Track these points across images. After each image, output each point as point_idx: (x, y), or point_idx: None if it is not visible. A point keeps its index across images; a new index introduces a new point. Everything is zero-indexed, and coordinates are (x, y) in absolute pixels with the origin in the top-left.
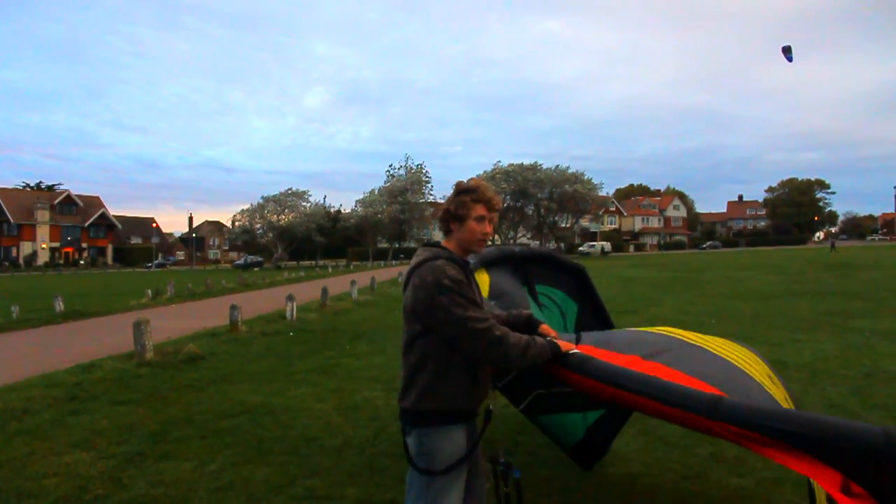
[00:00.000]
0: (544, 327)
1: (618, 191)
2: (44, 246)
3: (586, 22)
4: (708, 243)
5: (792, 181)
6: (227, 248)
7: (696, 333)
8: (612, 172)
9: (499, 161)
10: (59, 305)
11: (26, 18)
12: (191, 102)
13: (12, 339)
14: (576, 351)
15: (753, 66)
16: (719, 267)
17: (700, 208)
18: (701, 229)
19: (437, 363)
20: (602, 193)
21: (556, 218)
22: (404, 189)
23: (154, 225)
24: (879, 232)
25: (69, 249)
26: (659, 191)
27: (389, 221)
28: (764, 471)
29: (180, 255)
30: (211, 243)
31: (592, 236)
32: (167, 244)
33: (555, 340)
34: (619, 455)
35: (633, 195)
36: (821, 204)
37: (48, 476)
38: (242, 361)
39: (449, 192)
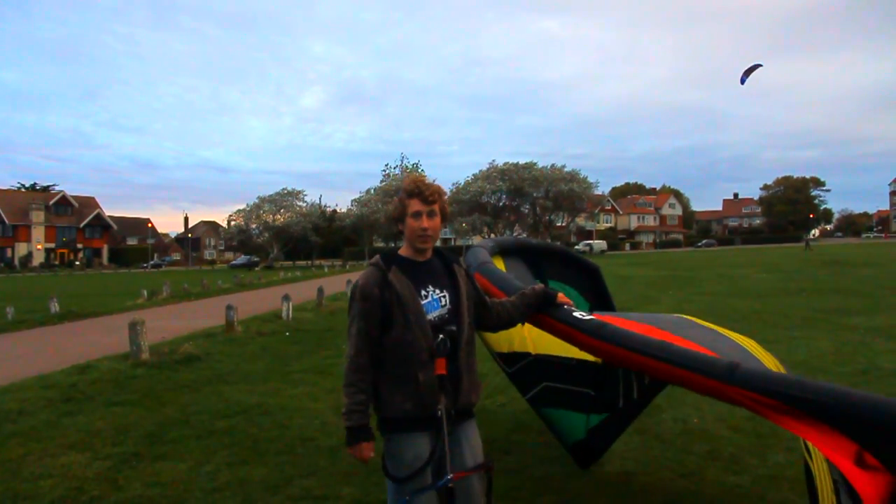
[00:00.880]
0: (561, 296)
1: (613, 189)
2: (39, 247)
3: (583, 21)
4: (703, 241)
5: (787, 179)
6: (222, 248)
7: (711, 323)
8: (609, 171)
9: (494, 160)
10: (55, 306)
11: (22, 19)
12: (187, 103)
13: (7, 341)
14: (592, 317)
15: (749, 64)
16: (715, 265)
17: (696, 206)
18: (696, 227)
19: (380, 370)
20: (598, 192)
21: (552, 216)
22: (400, 188)
23: (150, 225)
24: (874, 229)
25: (64, 250)
26: (654, 189)
27: (385, 221)
28: (760, 468)
29: (176, 255)
30: (207, 243)
31: (588, 235)
32: (163, 245)
33: (358, 432)
34: (615, 453)
35: (628, 193)
36: (816, 202)
37: (44, 477)
38: (238, 362)
39: (447, 191)
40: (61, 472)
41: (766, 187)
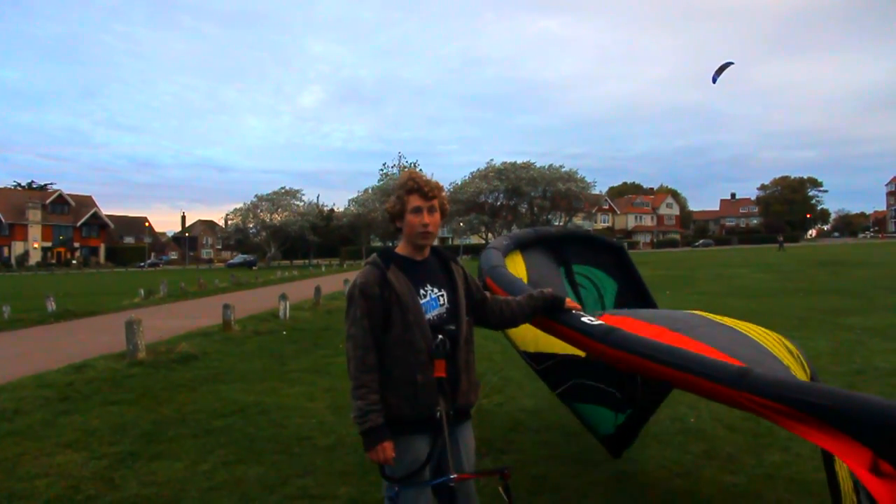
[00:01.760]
0: (569, 302)
1: (611, 189)
2: (35, 246)
3: (581, 21)
4: (700, 241)
5: (784, 179)
6: (220, 247)
7: (725, 317)
8: (607, 171)
9: (492, 159)
10: (51, 305)
11: (20, 17)
12: (185, 101)
13: (4, 340)
14: (600, 322)
15: (747, 64)
16: (712, 265)
17: (693, 206)
18: (694, 227)
19: (380, 372)
20: (595, 192)
21: (550, 216)
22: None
23: (147, 224)
24: (871, 230)
25: (61, 249)
26: (652, 189)
27: (383, 220)
28: (756, 468)
29: (173, 254)
30: (204, 242)
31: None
32: (160, 243)
33: (375, 433)
34: None
35: (626, 193)
36: (813, 202)
37: (40, 477)
38: (235, 361)
39: (445, 191)
40: (57, 472)
41: (763, 187)
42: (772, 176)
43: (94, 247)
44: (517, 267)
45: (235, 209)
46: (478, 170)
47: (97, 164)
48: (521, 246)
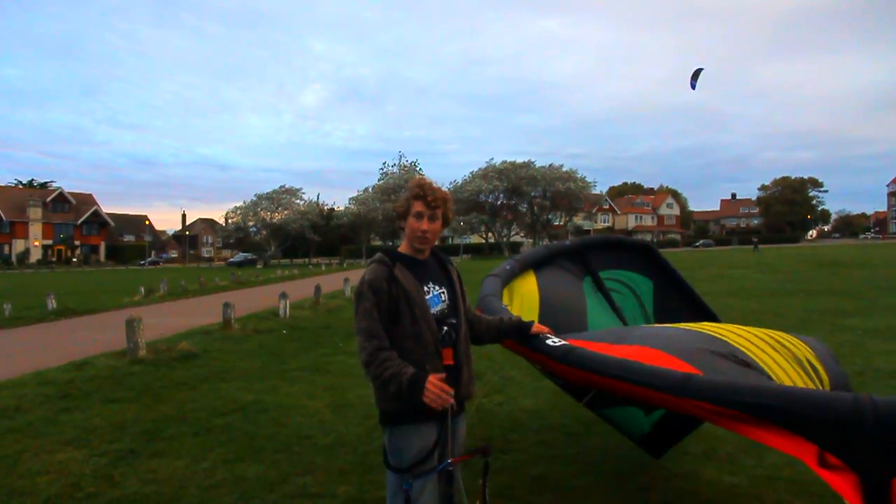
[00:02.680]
0: (537, 327)
1: (611, 189)
2: (36, 244)
3: (583, 20)
4: (701, 241)
5: (785, 179)
6: (220, 245)
7: (731, 326)
8: (608, 171)
9: (492, 159)
10: (52, 303)
11: (23, 15)
12: (187, 100)
13: (4, 337)
14: (563, 343)
15: (749, 65)
16: (712, 265)
17: (694, 206)
18: (694, 227)
19: None
20: (595, 191)
21: (550, 216)
22: (398, 187)
23: (147, 222)
24: (872, 230)
25: (62, 247)
26: (652, 189)
27: (383, 219)
28: (756, 469)
29: (173, 252)
30: (204, 241)
31: (586, 234)
32: (160, 242)
33: (418, 376)
34: (612, 453)
35: (626, 193)
36: (814, 202)
37: (40, 474)
38: (235, 359)
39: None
40: (58, 469)
41: (763, 188)
42: (773, 176)
43: (94, 245)
44: (529, 288)
45: (236, 207)
46: (478, 169)
47: (98, 162)
48: (535, 265)
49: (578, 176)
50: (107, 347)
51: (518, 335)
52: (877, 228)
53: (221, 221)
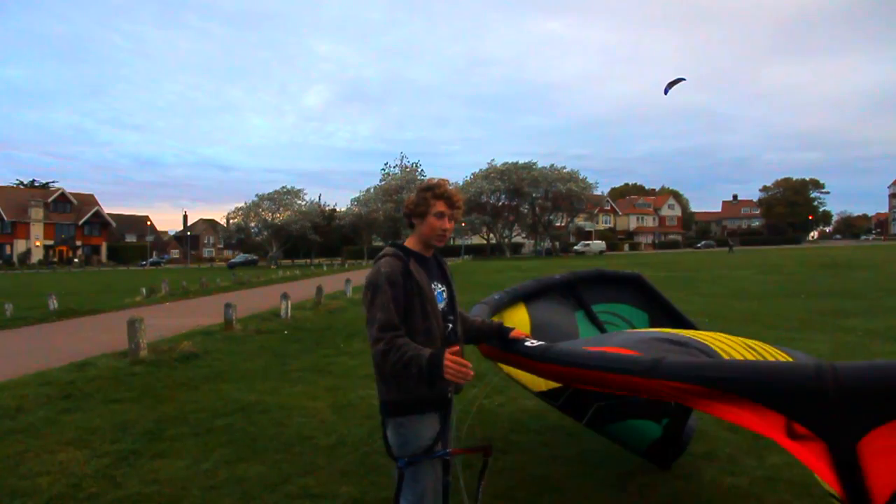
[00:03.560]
0: (516, 332)
1: (613, 190)
2: (38, 244)
3: (587, 22)
4: (703, 242)
5: (787, 181)
6: (221, 246)
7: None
8: (610, 172)
9: (493, 160)
10: (53, 304)
11: (27, 15)
12: (190, 100)
13: (6, 338)
14: (540, 343)
15: (751, 66)
16: (714, 266)
17: (695, 207)
18: (696, 228)
19: None
20: (597, 192)
21: (551, 217)
22: (399, 187)
23: (149, 223)
24: (873, 232)
25: (63, 247)
26: (654, 190)
27: (384, 220)
28: (757, 469)
29: (175, 253)
30: (206, 241)
31: (587, 235)
32: (162, 242)
33: (436, 354)
34: (612, 454)
35: (628, 194)
36: (815, 203)
37: (42, 474)
38: (237, 360)
39: None
40: (59, 469)
41: (765, 189)
42: (774, 178)
43: (95, 245)
44: (520, 317)
45: (237, 208)
46: (479, 170)
47: (100, 162)
48: (525, 298)
49: (580, 177)
50: (108, 348)
51: (498, 337)
52: (878, 230)
53: (223, 222)
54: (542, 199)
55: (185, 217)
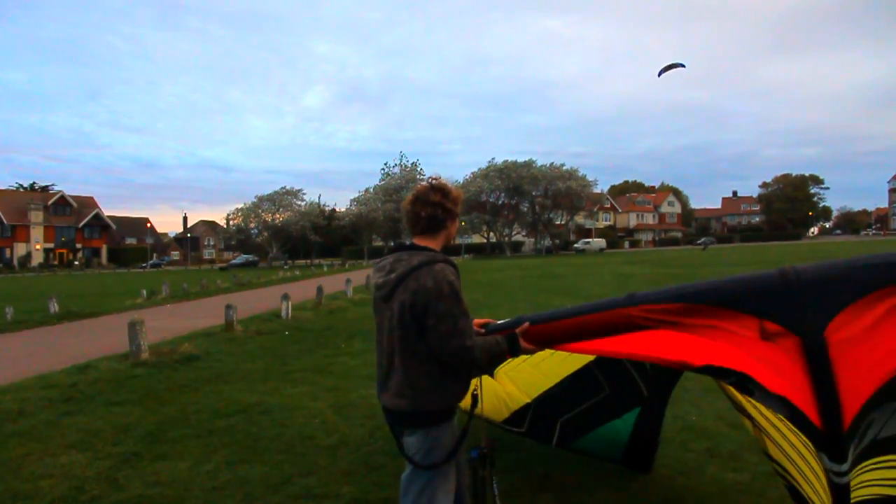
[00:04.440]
0: (479, 321)
1: (612, 187)
2: (38, 247)
3: (586, 20)
4: (703, 239)
5: (786, 177)
6: (222, 247)
7: None
8: (610, 169)
9: (493, 158)
10: (54, 306)
11: (27, 19)
12: (190, 102)
13: (7, 341)
14: (511, 319)
15: (751, 62)
16: (714, 263)
17: (695, 204)
18: (695, 225)
19: (443, 366)
20: (596, 190)
21: (551, 215)
22: (399, 187)
23: (148, 225)
24: (873, 227)
25: (63, 250)
26: (653, 187)
27: (384, 220)
28: (759, 465)
29: (175, 255)
30: (206, 243)
31: (587, 233)
32: (162, 244)
33: (512, 336)
34: None
35: (627, 191)
36: (815, 199)
37: (44, 477)
38: (238, 361)
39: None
40: (61, 472)
41: (764, 185)
42: (774, 173)
43: (96, 248)
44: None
45: (237, 209)
46: (479, 169)
47: (100, 165)
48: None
49: (579, 174)
50: (109, 350)
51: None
52: (878, 225)
53: (223, 223)
54: (541, 197)
55: (185, 219)
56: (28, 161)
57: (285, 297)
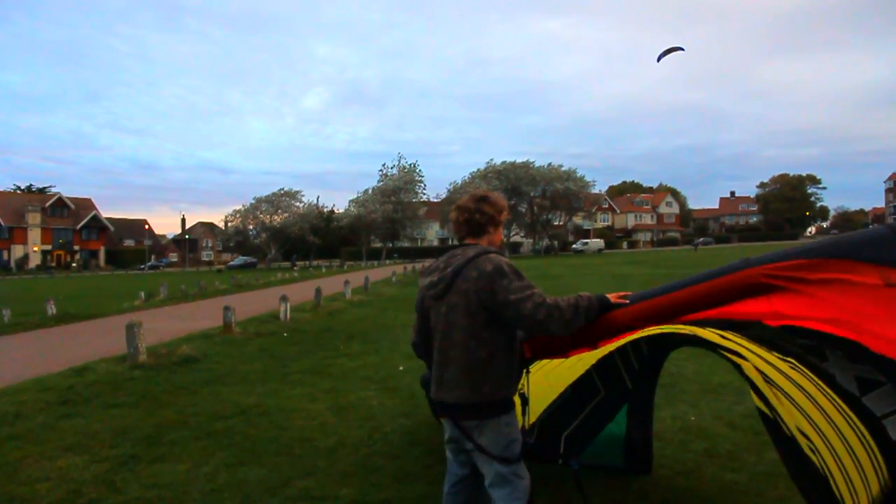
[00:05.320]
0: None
1: (611, 188)
2: (35, 249)
3: (585, 21)
4: (700, 239)
5: (783, 177)
6: (220, 249)
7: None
8: (608, 170)
9: (492, 159)
10: (52, 308)
11: (27, 20)
12: (189, 104)
13: (4, 343)
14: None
15: (749, 63)
16: (713, 263)
17: (693, 204)
18: (693, 225)
19: (507, 354)
20: (594, 191)
21: (550, 216)
22: (397, 188)
23: (147, 227)
24: (871, 226)
25: (61, 252)
26: (651, 188)
27: (383, 221)
28: (757, 465)
29: (173, 256)
30: (204, 245)
31: (586, 234)
32: (160, 246)
33: (599, 294)
34: None
35: (626, 192)
36: (812, 199)
37: (41, 480)
38: (236, 363)
39: (444, 191)
40: (59, 475)
41: (762, 185)
42: (772, 174)
43: (93, 250)
44: None
45: (235, 211)
46: (478, 170)
47: (98, 166)
48: None
49: (578, 175)
50: (107, 352)
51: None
52: (875, 224)
53: (221, 225)
54: (540, 198)
55: (184, 220)
56: (26, 163)
57: (284, 298)
